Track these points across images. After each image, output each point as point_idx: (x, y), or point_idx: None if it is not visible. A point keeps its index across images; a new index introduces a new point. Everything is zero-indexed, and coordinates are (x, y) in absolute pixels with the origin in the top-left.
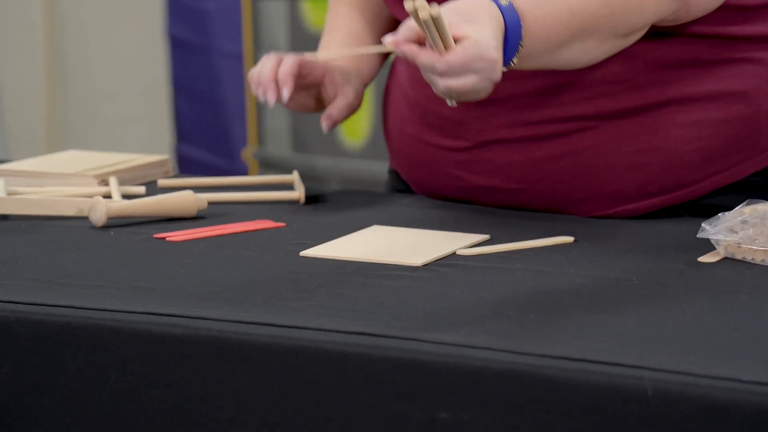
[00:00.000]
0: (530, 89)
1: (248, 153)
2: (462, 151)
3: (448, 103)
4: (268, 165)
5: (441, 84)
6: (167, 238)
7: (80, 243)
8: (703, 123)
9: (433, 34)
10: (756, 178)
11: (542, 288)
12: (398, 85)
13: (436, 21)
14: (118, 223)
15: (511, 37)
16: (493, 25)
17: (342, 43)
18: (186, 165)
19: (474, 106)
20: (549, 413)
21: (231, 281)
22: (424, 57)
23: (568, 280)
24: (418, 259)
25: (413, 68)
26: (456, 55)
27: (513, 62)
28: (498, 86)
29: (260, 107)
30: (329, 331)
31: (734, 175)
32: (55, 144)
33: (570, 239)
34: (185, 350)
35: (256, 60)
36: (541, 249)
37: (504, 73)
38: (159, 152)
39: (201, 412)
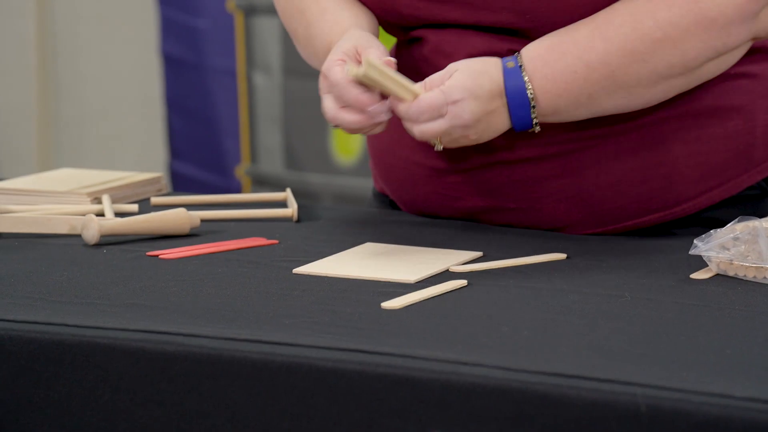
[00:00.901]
0: None
1: (241, 170)
2: (460, 173)
3: (435, 148)
4: (260, 182)
5: (414, 129)
6: (160, 256)
7: (73, 261)
8: (702, 139)
9: (388, 85)
10: (751, 191)
11: (535, 304)
12: None
13: (377, 74)
14: (110, 241)
15: (516, 96)
16: (475, 78)
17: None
18: (179, 182)
19: None
20: (541, 430)
21: (224, 298)
22: (398, 106)
23: (560, 297)
24: (411, 276)
25: None
26: (419, 101)
27: (534, 119)
28: None
29: (253, 124)
30: (322, 348)
31: (731, 189)
32: (47, 162)
33: (563, 256)
34: (178, 367)
35: (249, 77)
36: (533, 266)
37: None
38: (152, 169)
39: (194, 428)
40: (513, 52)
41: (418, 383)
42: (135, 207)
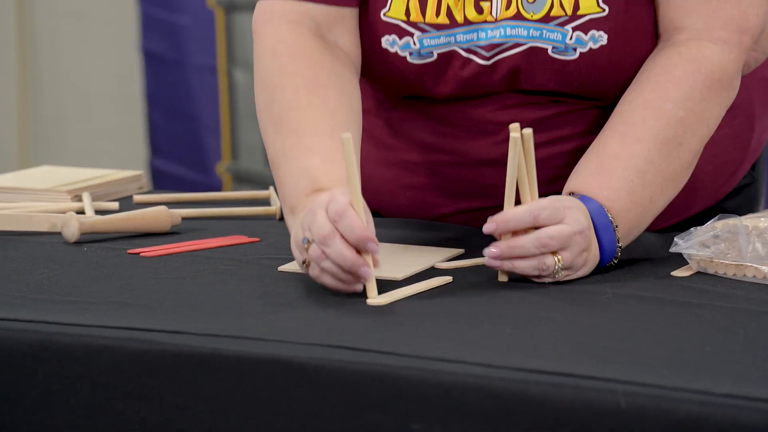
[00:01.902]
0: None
1: (222, 167)
2: (437, 189)
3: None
4: (241, 179)
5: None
6: (141, 254)
7: (53, 258)
8: (716, 141)
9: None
10: (744, 180)
11: (517, 301)
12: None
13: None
14: (91, 239)
15: (600, 218)
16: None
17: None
18: (160, 179)
19: (467, 137)
20: (522, 426)
21: (206, 296)
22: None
23: (542, 294)
24: (398, 273)
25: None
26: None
27: (618, 242)
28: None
29: (234, 121)
30: (305, 344)
31: (734, 181)
32: (27, 159)
33: None
34: (160, 363)
35: (229, 74)
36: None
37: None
38: (133, 166)
39: (175, 421)
40: (548, 116)
41: (399, 379)
42: (115, 205)
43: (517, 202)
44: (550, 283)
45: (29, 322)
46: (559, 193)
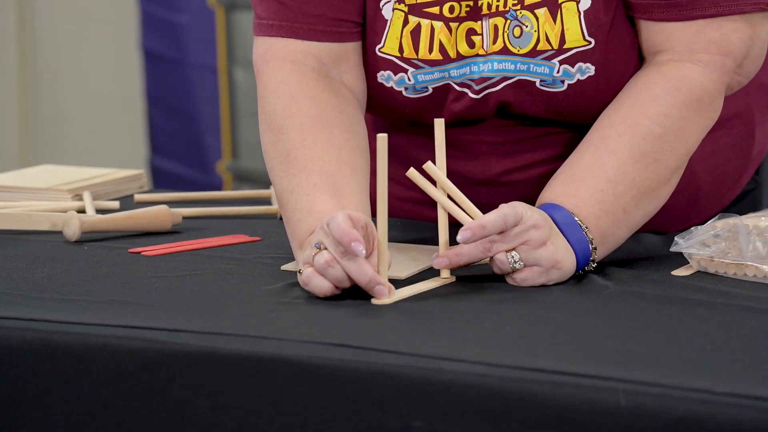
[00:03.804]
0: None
1: (222, 166)
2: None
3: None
4: (242, 178)
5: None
6: (142, 253)
7: (54, 258)
8: (716, 151)
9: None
10: (749, 186)
11: (518, 299)
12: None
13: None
14: (92, 238)
15: (567, 224)
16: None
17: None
18: (160, 178)
19: (461, 157)
20: (523, 425)
21: (207, 295)
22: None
23: (543, 292)
24: (401, 273)
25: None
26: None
27: (591, 242)
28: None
29: (234, 120)
30: (306, 342)
31: (737, 188)
32: (27, 158)
33: None
34: (161, 361)
35: (230, 72)
36: None
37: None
38: (133, 165)
39: (175, 417)
40: (542, 134)
41: (400, 377)
42: (116, 204)
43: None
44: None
45: (30, 321)
46: None
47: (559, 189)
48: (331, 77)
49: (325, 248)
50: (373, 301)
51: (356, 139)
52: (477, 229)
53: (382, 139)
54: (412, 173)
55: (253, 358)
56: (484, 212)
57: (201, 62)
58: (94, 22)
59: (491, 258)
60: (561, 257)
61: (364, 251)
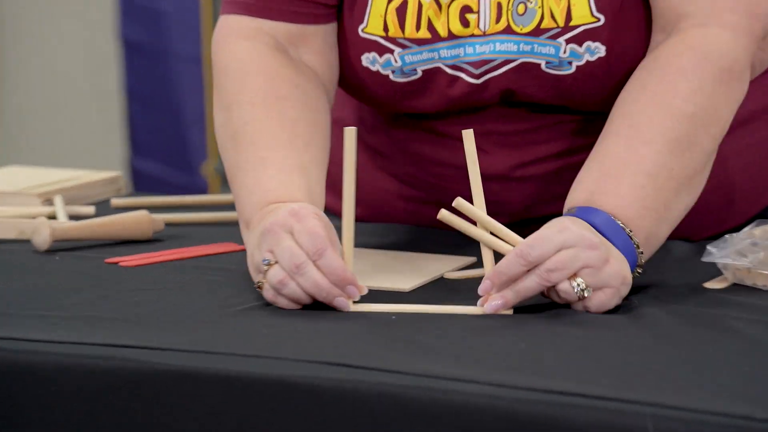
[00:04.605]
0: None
1: (209, 167)
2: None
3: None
4: None
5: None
6: (120, 263)
7: (22, 269)
8: (751, 146)
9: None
10: None
11: (535, 315)
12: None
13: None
14: (64, 247)
15: (609, 227)
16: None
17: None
18: (141, 180)
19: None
20: None
21: (192, 309)
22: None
23: (564, 307)
24: (406, 284)
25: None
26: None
27: (639, 250)
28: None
29: None
30: (302, 361)
31: None
32: None
33: None
34: (140, 382)
35: None
36: None
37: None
38: (110, 167)
39: None
40: (553, 123)
41: (404, 400)
42: (91, 209)
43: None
44: None
45: None
46: (559, 215)
47: (594, 188)
48: (289, 54)
49: (276, 263)
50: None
51: (314, 115)
52: (495, 277)
53: (350, 132)
54: (444, 215)
55: (243, 378)
56: (498, 210)
57: (185, 53)
58: (66, 7)
59: (550, 289)
60: (626, 270)
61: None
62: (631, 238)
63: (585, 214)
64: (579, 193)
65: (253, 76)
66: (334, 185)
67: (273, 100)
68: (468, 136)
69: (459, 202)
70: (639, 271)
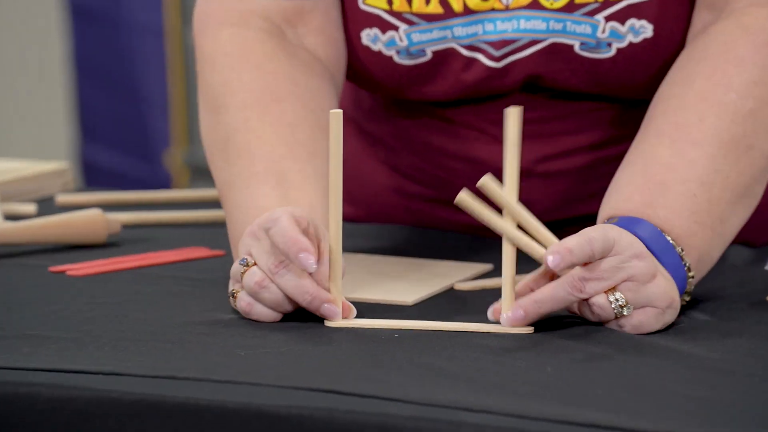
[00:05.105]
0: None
1: (174, 156)
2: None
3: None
4: (200, 172)
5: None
6: (68, 272)
7: None
8: None
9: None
10: None
11: (562, 332)
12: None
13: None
14: (1, 252)
15: (656, 241)
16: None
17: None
18: (93, 173)
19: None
20: None
21: (155, 326)
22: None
23: (594, 325)
24: (408, 297)
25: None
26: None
27: (690, 274)
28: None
29: (190, 97)
30: (286, 387)
31: None
32: None
33: None
34: (93, 414)
35: (183, 37)
36: None
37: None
38: (55, 157)
39: None
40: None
41: (408, 431)
42: (32, 207)
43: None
44: None
45: None
46: (593, 215)
47: (638, 197)
48: (286, 40)
49: (254, 264)
50: (326, 323)
51: (316, 117)
52: (565, 253)
53: (336, 115)
54: (462, 199)
55: (216, 409)
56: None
57: (145, 22)
58: None
59: (582, 302)
60: (675, 292)
61: (314, 264)
62: (682, 259)
63: (629, 224)
64: (619, 202)
65: (245, 72)
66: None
67: (268, 102)
68: (513, 113)
69: (485, 181)
70: (687, 298)
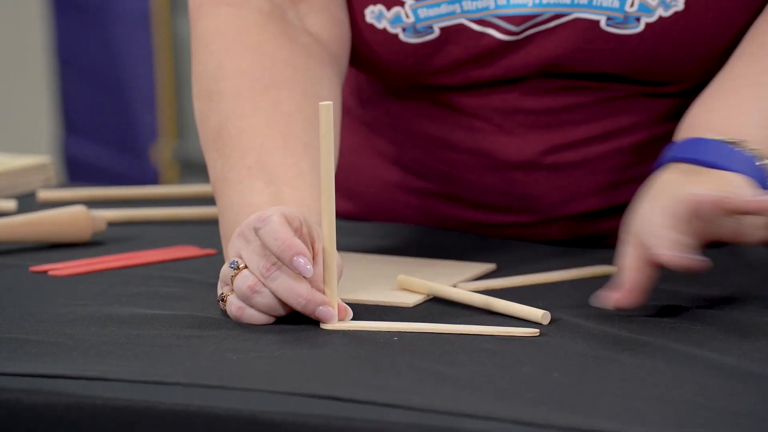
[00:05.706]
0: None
1: (162, 151)
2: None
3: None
4: (190, 167)
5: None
6: (49, 272)
7: None
8: None
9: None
10: None
11: (568, 336)
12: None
13: None
14: None
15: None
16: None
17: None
18: (76, 168)
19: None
20: None
21: (142, 329)
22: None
23: (607, 325)
24: (409, 298)
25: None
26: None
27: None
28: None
29: (179, 88)
30: (279, 393)
31: None
32: None
33: (613, 269)
34: (77, 421)
35: (172, 24)
36: (570, 283)
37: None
38: (37, 150)
39: None
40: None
41: None
42: (12, 204)
43: None
44: (616, 314)
45: None
46: (623, 204)
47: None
48: (287, 21)
49: (245, 267)
50: (322, 325)
51: (315, 106)
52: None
53: (326, 107)
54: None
55: (206, 415)
56: (523, 205)
57: (131, 8)
58: None
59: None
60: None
61: (311, 268)
62: (742, 147)
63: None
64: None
65: (240, 56)
66: (342, 187)
67: (263, 89)
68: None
69: (402, 278)
70: None
